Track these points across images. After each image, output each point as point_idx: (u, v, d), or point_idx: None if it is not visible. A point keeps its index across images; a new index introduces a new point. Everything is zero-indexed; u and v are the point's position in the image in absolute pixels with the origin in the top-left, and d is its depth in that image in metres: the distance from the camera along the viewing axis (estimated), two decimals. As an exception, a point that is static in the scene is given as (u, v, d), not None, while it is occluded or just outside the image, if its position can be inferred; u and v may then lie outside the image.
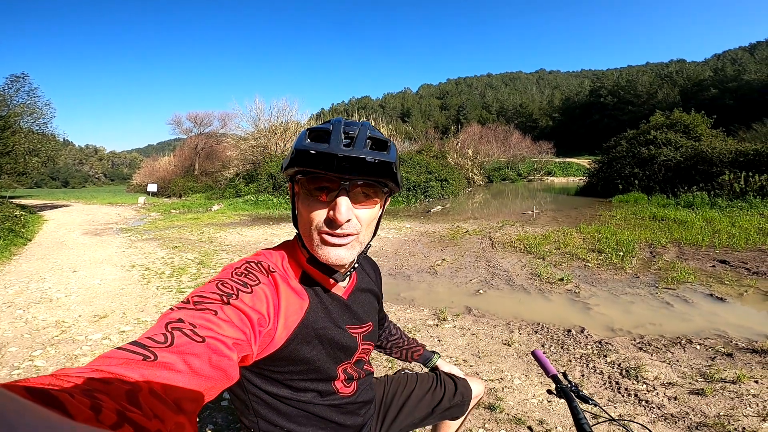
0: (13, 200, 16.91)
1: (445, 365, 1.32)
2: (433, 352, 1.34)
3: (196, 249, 7.16)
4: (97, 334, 3.33)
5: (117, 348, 0.46)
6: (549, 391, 1.08)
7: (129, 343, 0.47)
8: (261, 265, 0.74)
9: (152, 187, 25.10)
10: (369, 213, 0.77)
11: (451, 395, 1.21)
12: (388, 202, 0.88)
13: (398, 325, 1.30)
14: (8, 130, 14.97)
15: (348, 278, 0.89)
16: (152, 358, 0.45)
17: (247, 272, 0.70)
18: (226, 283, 0.65)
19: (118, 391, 0.37)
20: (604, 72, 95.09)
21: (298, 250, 0.84)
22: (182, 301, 0.60)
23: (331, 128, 0.72)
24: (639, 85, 65.83)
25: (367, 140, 0.72)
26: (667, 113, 17.30)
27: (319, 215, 0.73)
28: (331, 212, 0.71)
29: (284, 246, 0.86)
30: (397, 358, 1.31)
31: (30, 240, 8.63)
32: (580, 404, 0.98)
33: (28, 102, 17.35)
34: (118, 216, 14.22)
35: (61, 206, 19.39)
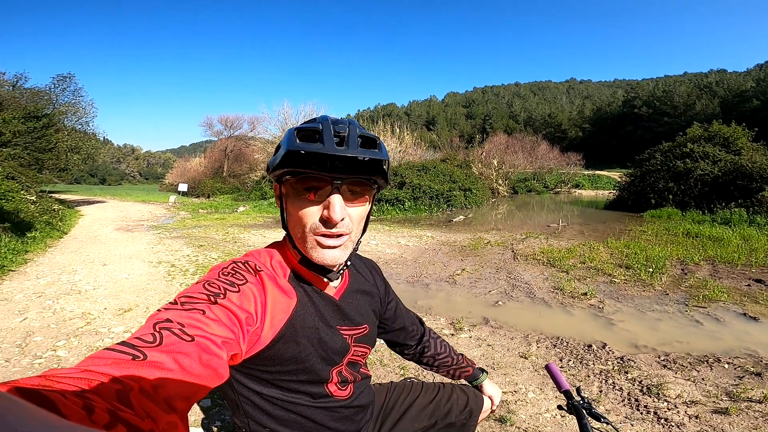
0: (53, 195, 17.83)
1: (489, 386, 1.27)
2: (482, 370, 1.28)
3: (220, 248, 7.34)
4: (120, 327, 3.45)
5: (105, 349, 0.46)
6: (560, 407, 1.04)
7: (117, 344, 0.47)
8: (248, 264, 0.74)
9: (183, 187, 25.97)
10: (360, 210, 0.77)
11: (460, 410, 1.15)
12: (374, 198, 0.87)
13: None
14: (52, 128, 15.87)
15: (340, 279, 0.88)
16: (141, 357, 0.45)
17: (234, 272, 0.70)
18: (213, 283, 0.65)
19: (108, 391, 0.37)
20: (639, 82, 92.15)
21: (287, 249, 0.83)
22: (170, 302, 0.60)
23: (320, 127, 0.71)
24: (676, 96, 63.49)
25: (358, 138, 0.72)
26: (706, 125, 16.51)
27: (312, 216, 0.73)
28: (326, 212, 0.71)
29: (273, 246, 0.86)
30: (444, 376, 1.26)
31: (66, 233, 9.06)
32: (591, 422, 0.93)
33: (73, 101, 18.38)
34: (149, 213, 14.80)
35: (98, 202, 20.36)
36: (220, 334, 0.56)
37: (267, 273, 0.75)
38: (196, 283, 0.66)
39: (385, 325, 1.08)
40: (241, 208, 16.75)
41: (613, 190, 19.67)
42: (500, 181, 24.82)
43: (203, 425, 2.09)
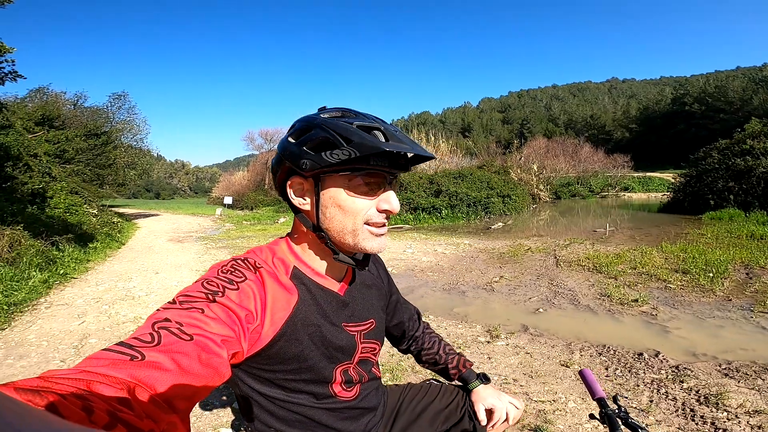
0: (113, 208, 19.16)
1: (484, 395, 1.10)
2: (479, 376, 1.13)
3: (260, 257, 7.59)
4: (167, 330, 3.63)
5: (103, 349, 0.46)
6: (591, 416, 0.97)
7: (115, 344, 0.47)
8: (248, 261, 0.74)
9: (228, 200, 27.13)
10: None
11: (471, 416, 1.09)
12: None
13: (448, 340, 1.17)
14: (110, 145, 17.11)
15: (344, 274, 0.87)
16: (140, 357, 0.45)
17: (233, 269, 0.70)
18: (212, 281, 0.65)
19: (107, 392, 0.37)
20: (688, 78, 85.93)
21: (290, 246, 0.82)
22: (169, 302, 0.60)
23: (380, 126, 0.72)
24: (730, 91, 58.70)
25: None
26: (765, 120, 15.14)
27: (367, 208, 0.75)
28: (382, 204, 0.75)
29: (275, 243, 0.85)
30: (436, 374, 1.18)
31: (124, 244, 9.73)
32: None
33: (128, 119, 19.79)
34: (198, 225, 15.55)
35: (153, 215, 21.65)
36: (220, 333, 0.56)
37: (267, 270, 0.75)
38: (196, 281, 0.66)
39: (385, 319, 1.05)
40: (282, 219, 17.25)
41: (667, 192, 18.45)
42: (541, 187, 23.94)
43: (233, 426, 2.14)
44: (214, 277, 0.67)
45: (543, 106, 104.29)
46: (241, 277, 0.69)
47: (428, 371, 2.60)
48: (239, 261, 0.74)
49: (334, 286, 0.84)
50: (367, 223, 0.75)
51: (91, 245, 7.99)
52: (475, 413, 1.08)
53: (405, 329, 1.14)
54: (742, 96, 57.29)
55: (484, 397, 1.10)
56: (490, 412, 1.09)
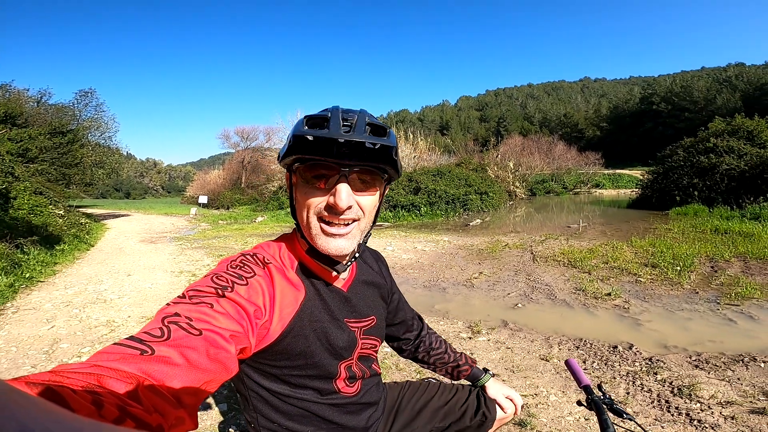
0: (80, 209, 18.36)
1: (495, 386, 1.16)
2: (485, 370, 1.18)
3: (238, 257, 7.44)
4: (143, 334, 3.52)
5: (114, 344, 0.46)
6: (579, 403, 1.00)
7: (126, 338, 0.47)
8: (256, 257, 0.74)
9: (203, 199, 26.53)
10: (370, 200, 0.76)
11: (472, 414, 1.11)
12: (386, 191, 0.85)
13: None
14: (77, 143, 16.36)
15: (348, 270, 0.86)
16: (150, 352, 0.45)
17: (242, 264, 0.70)
18: (221, 276, 0.65)
19: (117, 387, 0.37)
20: (656, 78, 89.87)
21: (296, 241, 0.82)
22: (178, 296, 0.60)
23: (329, 115, 0.70)
24: (695, 91, 61.75)
25: (366, 126, 0.70)
26: (728, 119, 16.00)
27: (318, 203, 0.72)
28: (332, 199, 0.70)
29: (283, 238, 0.85)
30: (443, 375, 1.19)
31: (93, 246, 9.34)
32: (613, 418, 0.90)
33: (95, 116, 18.96)
34: (172, 225, 15.11)
35: (123, 216, 20.88)
36: (228, 328, 0.56)
37: (276, 265, 0.75)
38: (205, 276, 0.66)
39: (387, 318, 1.06)
40: (260, 218, 16.98)
41: (636, 188, 19.20)
42: (517, 184, 24.46)
43: (219, 429, 2.10)
44: (223, 272, 0.67)
45: (519, 105, 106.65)
46: (250, 273, 0.68)
47: (420, 370, 2.64)
48: (248, 256, 0.74)
49: (338, 282, 0.85)
50: (320, 219, 0.73)
51: (58, 247, 7.63)
52: (497, 404, 1.13)
53: (408, 329, 1.14)
54: (706, 95, 60.23)
55: (498, 389, 1.16)
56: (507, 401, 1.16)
